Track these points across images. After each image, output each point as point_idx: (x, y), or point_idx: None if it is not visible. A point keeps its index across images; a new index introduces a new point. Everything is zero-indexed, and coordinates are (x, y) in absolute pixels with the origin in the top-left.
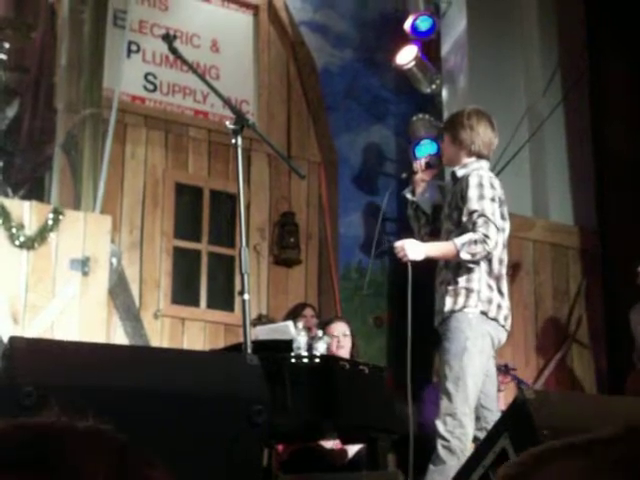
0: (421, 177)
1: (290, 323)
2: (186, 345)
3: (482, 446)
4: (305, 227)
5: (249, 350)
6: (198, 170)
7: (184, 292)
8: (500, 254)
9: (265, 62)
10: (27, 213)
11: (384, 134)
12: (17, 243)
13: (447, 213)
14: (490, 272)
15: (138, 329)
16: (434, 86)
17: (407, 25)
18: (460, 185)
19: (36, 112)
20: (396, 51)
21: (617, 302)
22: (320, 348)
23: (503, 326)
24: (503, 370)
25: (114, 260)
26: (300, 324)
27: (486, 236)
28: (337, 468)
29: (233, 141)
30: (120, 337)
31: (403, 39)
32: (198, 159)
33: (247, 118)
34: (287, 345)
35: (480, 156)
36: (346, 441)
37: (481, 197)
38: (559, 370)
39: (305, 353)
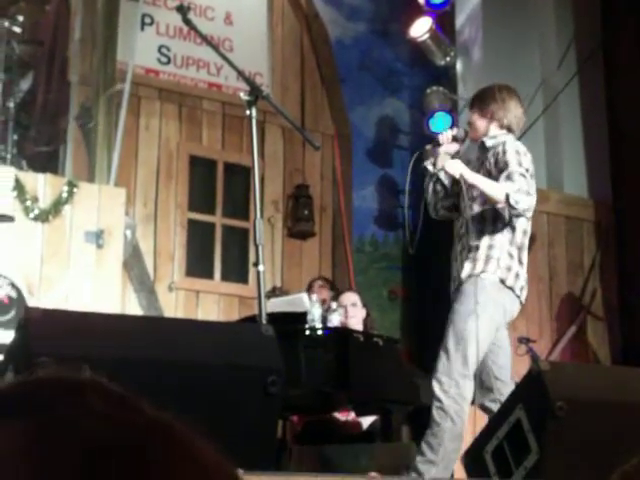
0: (446, 150)
1: (304, 295)
2: (200, 317)
3: (496, 417)
4: (319, 200)
5: (264, 321)
6: (212, 143)
7: (198, 264)
8: (525, 225)
9: (279, 35)
10: (41, 186)
11: (398, 107)
12: (32, 216)
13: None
14: (512, 241)
15: (152, 301)
16: (448, 58)
17: None
18: (492, 152)
19: (50, 85)
20: (410, 23)
21: (631, 275)
22: (334, 320)
23: (518, 297)
24: (523, 342)
25: (128, 232)
26: (314, 296)
27: (529, 192)
28: (351, 439)
29: (247, 112)
30: (134, 309)
31: (417, 11)
32: (212, 132)
33: (261, 89)
34: (301, 317)
35: (510, 130)
36: (360, 413)
37: (519, 163)
38: (573, 343)
39: (319, 325)
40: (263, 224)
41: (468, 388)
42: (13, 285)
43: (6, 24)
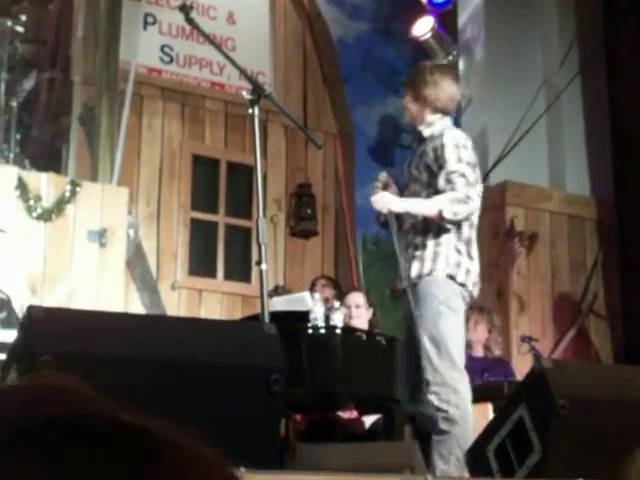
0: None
1: (307, 294)
2: (203, 316)
3: (499, 415)
4: (322, 199)
5: (267, 320)
6: (215, 142)
7: (201, 263)
8: (472, 218)
9: (281, 34)
10: (44, 185)
11: (400, 105)
12: (34, 215)
13: (415, 175)
14: (459, 236)
15: (155, 300)
16: (450, 57)
17: None
18: (431, 144)
19: (53, 84)
20: (412, 22)
21: (634, 273)
22: (337, 319)
23: (470, 292)
24: (526, 341)
25: (131, 232)
26: (317, 295)
27: (468, 197)
28: (354, 438)
29: (250, 111)
30: (137, 308)
31: (419, 10)
32: (215, 131)
33: (264, 88)
34: (304, 316)
35: (445, 112)
36: (363, 412)
37: (459, 159)
38: (576, 341)
39: (322, 324)
40: (266, 223)
41: (464, 388)
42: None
43: (9, 23)
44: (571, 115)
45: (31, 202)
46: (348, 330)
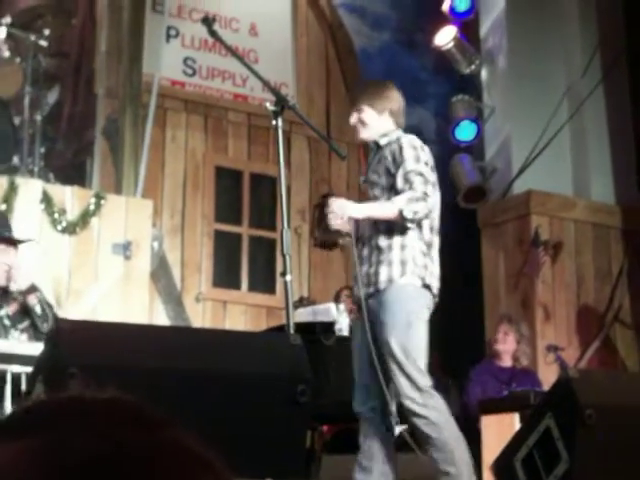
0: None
1: (332, 305)
2: (228, 328)
3: (526, 425)
4: None
5: (292, 331)
6: (238, 153)
7: (225, 275)
8: (431, 221)
9: (303, 45)
10: (69, 198)
11: (423, 115)
12: (59, 228)
13: (374, 180)
14: (421, 238)
15: (180, 312)
16: (473, 67)
17: (445, 5)
18: (388, 149)
19: (77, 98)
20: (435, 32)
21: None
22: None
23: (434, 295)
24: (552, 350)
25: (155, 244)
26: (342, 306)
27: (426, 194)
28: None
29: (273, 123)
30: (162, 320)
31: (441, 19)
32: (238, 142)
33: (287, 99)
34: (329, 327)
35: (399, 125)
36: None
37: (417, 159)
38: (602, 350)
39: (347, 335)
40: (290, 234)
41: (437, 394)
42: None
43: (33, 38)
44: (594, 123)
45: (56, 215)
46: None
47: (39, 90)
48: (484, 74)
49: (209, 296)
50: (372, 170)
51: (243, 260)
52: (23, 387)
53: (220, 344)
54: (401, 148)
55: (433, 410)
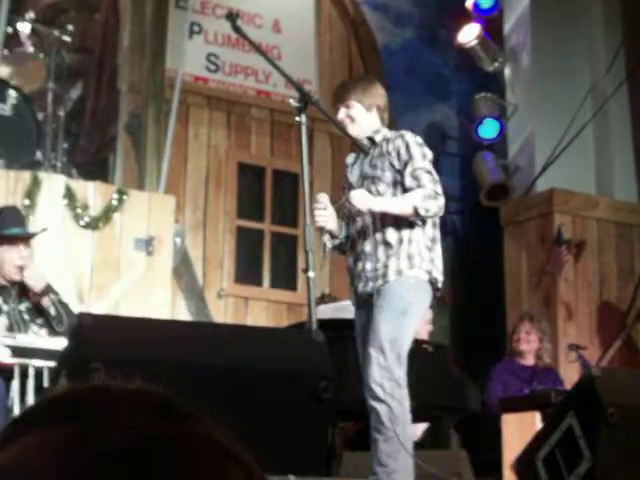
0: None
1: None
2: (249, 324)
3: (548, 424)
4: None
5: (314, 327)
6: (261, 150)
7: (247, 271)
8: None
9: (326, 41)
10: (92, 194)
11: (446, 113)
12: (82, 223)
13: (376, 175)
14: (425, 233)
15: (202, 308)
16: (497, 64)
17: (469, 2)
18: (391, 145)
19: (99, 93)
20: (458, 29)
21: None
22: None
23: (437, 289)
24: (573, 349)
25: (178, 240)
26: None
27: (437, 193)
28: None
29: (297, 119)
30: (184, 316)
31: (465, 17)
32: (261, 139)
33: (311, 95)
34: (351, 324)
35: (384, 121)
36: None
37: (424, 156)
38: (624, 349)
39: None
40: (312, 231)
41: (405, 387)
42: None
43: (56, 33)
44: (618, 121)
45: (79, 210)
46: None
47: (62, 86)
48: (507, 72)
49: (231, 292)
50: (370, 165)
51: (265, 256)
52: (45, 381)
53: (243, 340)
54: (407, 145)
55: (396, 402)
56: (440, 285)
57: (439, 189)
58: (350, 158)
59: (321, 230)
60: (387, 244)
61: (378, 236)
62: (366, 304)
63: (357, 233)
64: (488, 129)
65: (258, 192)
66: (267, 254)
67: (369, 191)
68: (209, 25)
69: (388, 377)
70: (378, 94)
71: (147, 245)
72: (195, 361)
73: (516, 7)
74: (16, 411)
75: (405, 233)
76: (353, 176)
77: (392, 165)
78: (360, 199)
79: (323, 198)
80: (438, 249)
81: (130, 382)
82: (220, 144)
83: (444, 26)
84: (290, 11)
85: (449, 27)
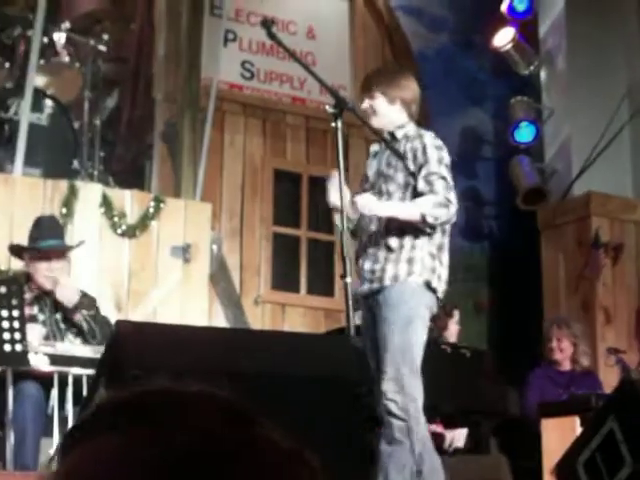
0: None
1: None
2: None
3: (588, 428)
4: None
5: (352, 332)
6: (296, 156)
7: (284, 278)
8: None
9: (361, 47)
10: (128, 202)
11: (481, 117)
12: (119, 231)
13: (388, 174)
14: (432, 241)
15: (239, 315)
16: (532, 67)
17: (504, 6)
18: (408, 144)
19: (135, 102)
20: (493, 33)
21: None
22: None
23: (438, 298)
24: (612, 353)
25: (215, 247)
26: None
27: (449, 200)
28: (439, 452)
29: (332, 125)
30: (221, 323)
31: (500, 20)
32: (296, 145)
33: (346, 101)
34: None
35: (413, 116)
36: (448, 425)
37: (440, 160)
38: None
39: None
40: (349, 236)
41: (420, 397)
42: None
43: (92, 43)
44: None
45: (115, 219)
46: (432, 343)
47: (98, 94)
48: (543, 75)
49: (268, 299)
50: (386, 163)
51: (302, 263)
52: (84, 389)
53: (282, 346)
54: (424, 147)
55: (411, 417)
56: (441, 294)
57: (452, 196)
58: (374, 147)
59: (333, 209)
60: (389, 248)
61: (382, 239)
62: (364, 304)
63: (364, 229)
64: (524, 133)
65: (294, 198)
66: (304, 260)
67: (380, 190)
68: (244, 33)
69: (402, 392)
70: (404, 86)
71: (184, 252)
72: (234, 367)
73: (551, 10)
74: (56, 419)
75: (409, 238)
76: (371, 169)
77: (406, 167)
78: (364, 204)
79: (335, 175)
80: (444, 257)
81: (190, 385)
82: (256, 151)
83: (479, 30)
84: (324, 17)
85: (484, 31)
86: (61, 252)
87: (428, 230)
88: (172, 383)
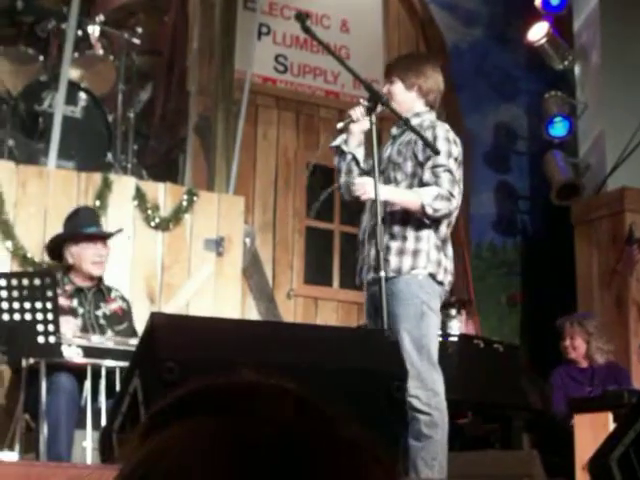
0: (360, 128)
1: None
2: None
3: (622, 424)
4: None
5: (386, 326)
6: (329, 150)
7: (317, 272)
8: (451, 217)
9: (395, 41)
10: (162, 195)
11: (515, 112)
12: (152, 224)
13: (399, 162)
14: (437, 233)
15: (272, 309)
16: (566, 62)
17: (538, 0)
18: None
19: (169, 95)
20: (527, 27)
21: None
22: (454, 327)
23: (446, 291)
24: None
25: (248, 240)
26: None
27: (452, 194)
28: (471, 446)
29: (367, 118)
30: (254, 317)
31: (534, 15)
32: (329, 139)
33: (381, 95)
34: None
35: (433, 106)
36: (480, 419)
37: (449, 154)
38: None
39: (439, 332)
40: (383, 230)
41: (442, 390)
42: (123, 298)
43: (126, 36)
44: None
45: (149, 212)
46: (465, 338)
47: (132, 87)
48: (577, 70)
49: (300, 293)
50: (397, 150)
51: (335, 256)
52: (117, 381)
53: (315, 339)
54: (436, 138)
55: (435, 410)
56: (448, 286)
57: (456, 191)
58: (393, 130)
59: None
60: (392, 236)
61: (387, 228)
62: (368, 291)
63: (372, 216)
64: (558, 128)
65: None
66: (337, 254)
67: (388, 177)
68: (277, 26)
69: (423, 387)
70: (425, 74)
71: (217, 245)
72: (269, 360)
73: (585, 4)
74: (89, 411)
75: (413, 229)
76: (385, 152)
77: (415, 156)
78: (363, 188)
79: (360, 106)
80: (448, 250)
81: (267, 377)
82: (289, 145)
83: (513, 25)
84: (358, 11)
85: (518, 26)
86: (104, 239)
87: (428, 221)
88: (254, 376)
